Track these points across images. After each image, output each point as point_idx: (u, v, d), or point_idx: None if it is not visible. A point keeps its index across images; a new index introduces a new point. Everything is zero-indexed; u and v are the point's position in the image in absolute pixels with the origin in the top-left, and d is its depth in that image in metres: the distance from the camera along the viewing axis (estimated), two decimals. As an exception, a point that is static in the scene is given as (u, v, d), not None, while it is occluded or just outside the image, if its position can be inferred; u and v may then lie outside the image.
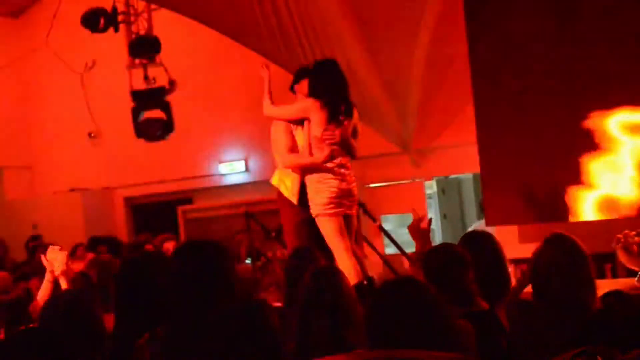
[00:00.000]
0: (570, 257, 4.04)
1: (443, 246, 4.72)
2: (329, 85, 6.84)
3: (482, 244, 4.70)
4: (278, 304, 5.88)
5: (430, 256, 4.41)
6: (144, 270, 4.11)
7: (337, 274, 3.88)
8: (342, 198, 6.82)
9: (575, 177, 9.14)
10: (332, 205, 6.73)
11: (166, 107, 11.85)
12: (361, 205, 8.07)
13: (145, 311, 3.85)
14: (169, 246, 8.01)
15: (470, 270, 4.22)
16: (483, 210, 9.70)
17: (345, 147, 6.86)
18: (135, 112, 11.62)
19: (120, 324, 3.99)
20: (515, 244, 8.99)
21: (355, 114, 6.96)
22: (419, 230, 5.43)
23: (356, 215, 7.15)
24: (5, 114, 15.03)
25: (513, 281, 4.90)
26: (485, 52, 9.77)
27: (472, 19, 9.81)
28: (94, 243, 11.49)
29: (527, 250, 4.94)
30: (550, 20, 9.34)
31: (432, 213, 11.82)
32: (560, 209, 9.14)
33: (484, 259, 4.49)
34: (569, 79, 9.16)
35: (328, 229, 6.71)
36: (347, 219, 6.88)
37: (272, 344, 3.04)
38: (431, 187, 12.07)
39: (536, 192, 9.42)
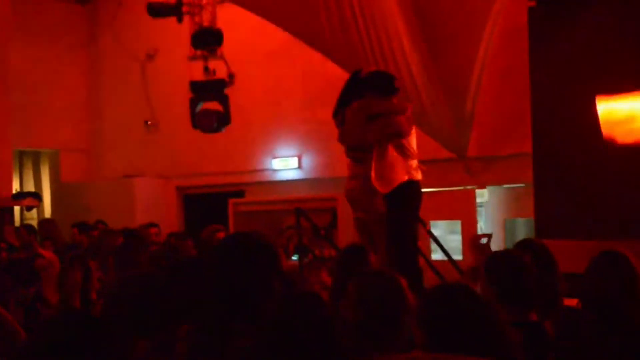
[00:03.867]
0: (625, 273, 4.04)
1: (510, 253, 4.61)
2: None
3: (536, 253, 4.65)
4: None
5: (499, 260, 4.32)
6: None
7: (394, 276, 3.83)
8: (350, 201, 7.11)
9: (632, 194, 9.08)
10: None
11: (224, 100, 11.95)
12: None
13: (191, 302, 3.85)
14: (220, 237, 8.04)
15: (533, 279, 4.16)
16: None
17: (351, 145, 7.01)
18: (193, 103, 11.71)
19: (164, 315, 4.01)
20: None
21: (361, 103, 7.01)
22: (478, 245, 5.41)
23: (373, 220, 7.05)
24: (66, 97, 15.25)
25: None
26: (545, 65, 9.75)
27: (534, 32, 9.81)
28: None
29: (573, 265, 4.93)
30: (612, 34, 9.30)
31: (482, 222, 11.80)
32: (613, 227, 9.08)
33: (537, 269, 4.45)
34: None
35: None
36: (359, 221, 7.05)
37: (326, 336, 3.02)
38: (482, 195, 12.02)
39: (589, 207, 9.35)
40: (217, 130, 12.00)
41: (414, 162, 7.01)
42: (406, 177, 6.88)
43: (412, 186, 6.95)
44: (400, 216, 6.93)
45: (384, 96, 7.01)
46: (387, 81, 7.13)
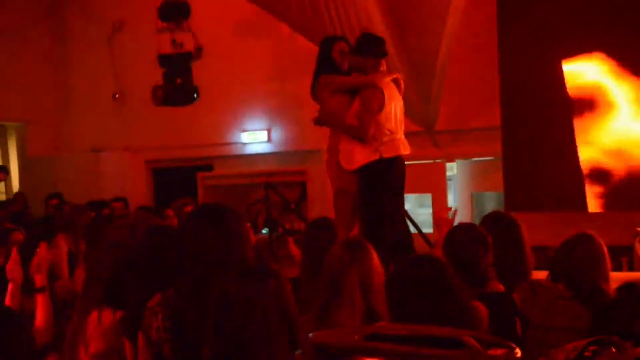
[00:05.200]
0: (595, 256, 4.12)
1: (464, 225, 4.63)
2: None
3: (503, 225, 4.66)
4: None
5: (451, 234, 4.37)
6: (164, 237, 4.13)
7: (367, 245, 3.83)
8: None
9: (598, 168, 9.14)
10: None
11: (187, 73, 11.84)
12: None
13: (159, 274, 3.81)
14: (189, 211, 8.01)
15: (489, 251, 4.19)
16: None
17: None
18: (168, 77, 11.57)
19: (135, 285, 3.99)
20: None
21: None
22: (444, 220, 5.38)
23: (334, 193, 7.06)
24: (33, 70, 15.05)
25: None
26: (514, 38, 9.77)
27: (503, 5, 9.82)
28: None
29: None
30: (580, 6, 9.34)
31: (452, 195, 11.83)
32: (581, 199, 9.15)
33: (505, 241, 4.46)
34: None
35: None
36: None
37: (286, 311, 3.03)
38: (452, 169, 12.05)
39: (557, 180, 9.43)
40: (183, 104, 11.88)
41: (389, 138, 6.64)
42: (377, 156, 6.58)
43: (381, 165, 6.63)
44: (367, 196, 6.70)
45: (373, 59, 6.75)
46: (377, 44, 6.84)
